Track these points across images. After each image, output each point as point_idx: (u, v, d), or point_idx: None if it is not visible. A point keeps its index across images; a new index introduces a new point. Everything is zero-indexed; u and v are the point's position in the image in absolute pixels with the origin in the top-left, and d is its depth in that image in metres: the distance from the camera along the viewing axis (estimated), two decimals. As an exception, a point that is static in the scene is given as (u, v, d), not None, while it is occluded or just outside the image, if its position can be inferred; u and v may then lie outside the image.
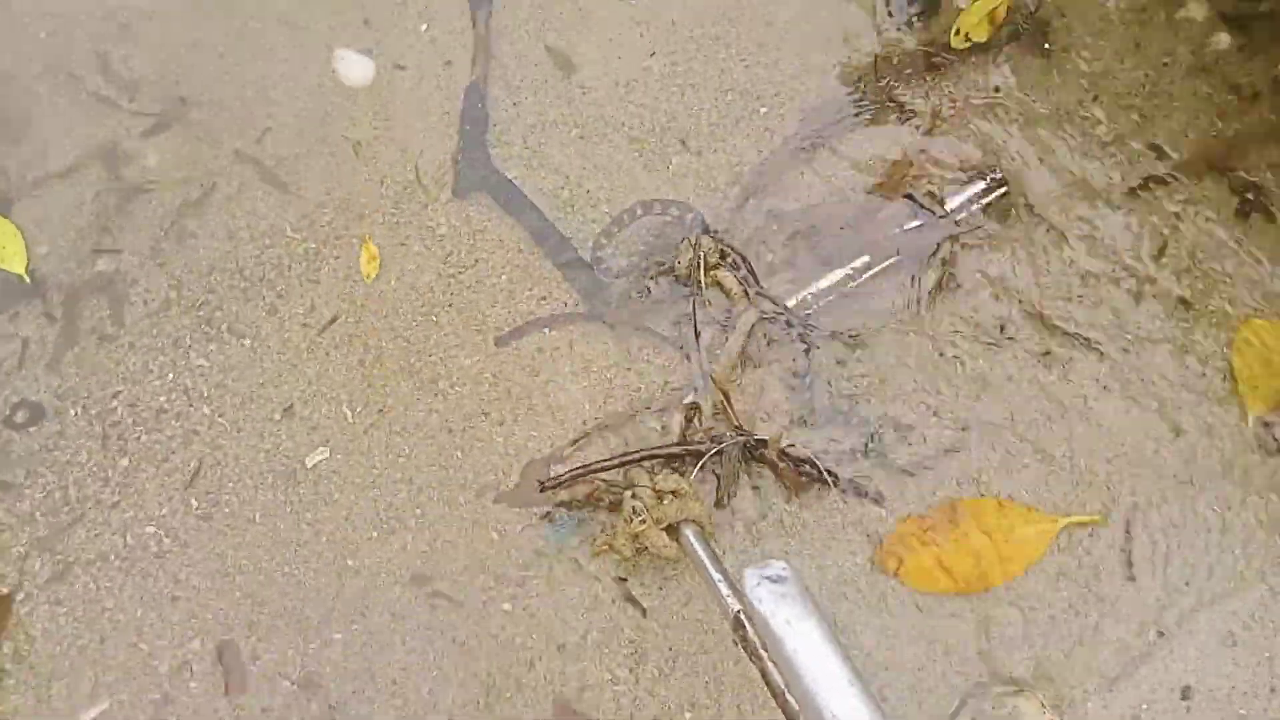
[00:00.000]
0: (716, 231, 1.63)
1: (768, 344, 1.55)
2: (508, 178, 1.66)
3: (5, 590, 1.42)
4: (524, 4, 1.80)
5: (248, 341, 1.56)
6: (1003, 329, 1.57)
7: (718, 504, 1.46)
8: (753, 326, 1.54)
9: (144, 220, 1.63)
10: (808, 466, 1.46)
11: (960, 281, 1.59)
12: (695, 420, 1.50)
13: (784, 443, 1.47)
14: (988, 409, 1.53)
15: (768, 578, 1.07)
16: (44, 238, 1.62)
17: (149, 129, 1.69)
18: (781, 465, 1.46)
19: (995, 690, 1.38)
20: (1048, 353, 1.55)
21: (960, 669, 1.39)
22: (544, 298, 1.60)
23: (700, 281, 1.57)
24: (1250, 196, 1.63)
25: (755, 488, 1.48)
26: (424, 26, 1.78)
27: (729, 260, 1.59)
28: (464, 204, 1.65)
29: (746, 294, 1.57)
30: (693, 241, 1.58)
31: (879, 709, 0.97)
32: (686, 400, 1.51)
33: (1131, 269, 1.60)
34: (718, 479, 1.46)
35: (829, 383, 1.54)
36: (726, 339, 1.54)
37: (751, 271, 1.59)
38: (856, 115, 1.70)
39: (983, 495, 1.47)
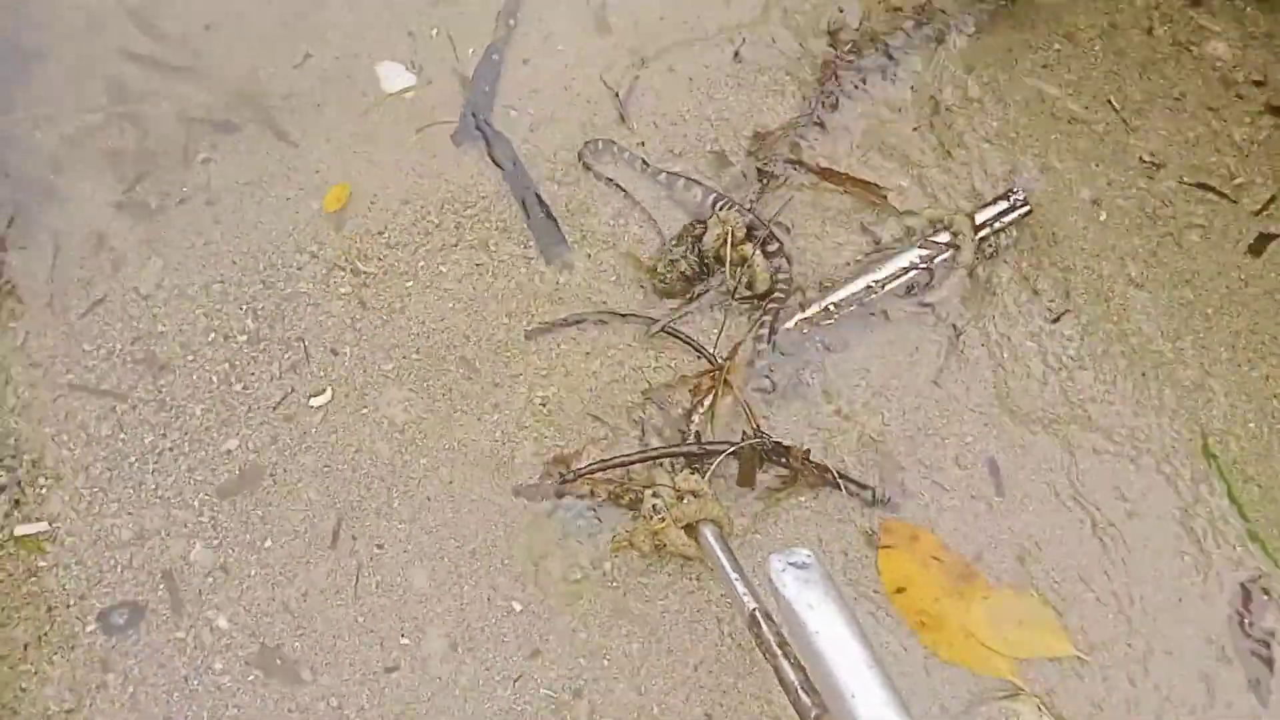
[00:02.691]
0: (745, 206, 1.63)
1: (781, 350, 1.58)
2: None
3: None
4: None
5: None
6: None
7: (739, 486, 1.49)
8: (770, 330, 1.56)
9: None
10: (828, 474, 1.49)
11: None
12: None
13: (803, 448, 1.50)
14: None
15: (792, 564, 1.10)
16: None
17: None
18: (801, 468, 1.48)
19: (994, 692, 1.40)
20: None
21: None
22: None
23: (727, 259, 1.58)
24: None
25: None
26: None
27: (757, 236, 1.59)
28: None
29: (772, 277, 1.58)
30: (721, 218, 1.59)
31: (896, 691, 0.99)
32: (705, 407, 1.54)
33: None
34: (739, 474, 1.49)
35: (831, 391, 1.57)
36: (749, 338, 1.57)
37: (781, 249, 1.59)
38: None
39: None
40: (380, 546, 1.47)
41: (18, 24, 1.75)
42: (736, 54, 1.77)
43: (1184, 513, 1.50)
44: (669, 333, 1.57)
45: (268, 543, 1.47)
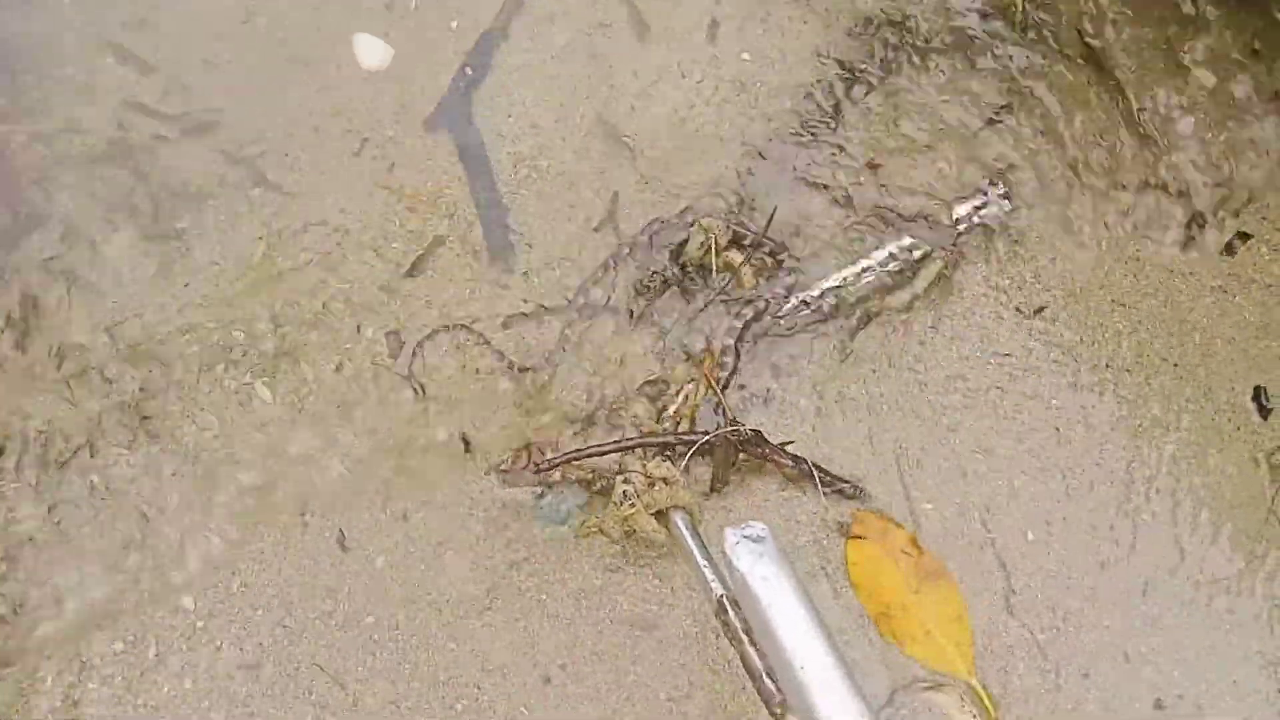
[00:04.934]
0: (729, 213, 1.63)
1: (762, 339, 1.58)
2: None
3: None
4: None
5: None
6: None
7: (711, 490, 1.49)
8: (746, 324, 1.57)
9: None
10: (803, 465, 1.49)
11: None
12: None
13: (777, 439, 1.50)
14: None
15: (746, 536, 1.11)
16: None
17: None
18: (775, 459, 1.49)
19: (917, 684, 1.41)
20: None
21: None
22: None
23: (713, 267, 1.59)
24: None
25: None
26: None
27: (743, 243, 1.60)
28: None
29: (758, 281, 1.59)
30: (704, 225, 1.59)
31: (845, 662, 1.00)
32: (681, 398, 1.54)
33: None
34: (712, 468, 1.49)
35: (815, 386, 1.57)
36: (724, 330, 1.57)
37: (772, 253, 1.60)
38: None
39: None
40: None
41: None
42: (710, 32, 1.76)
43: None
44: (675, 344, 1.57)
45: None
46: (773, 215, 1.60)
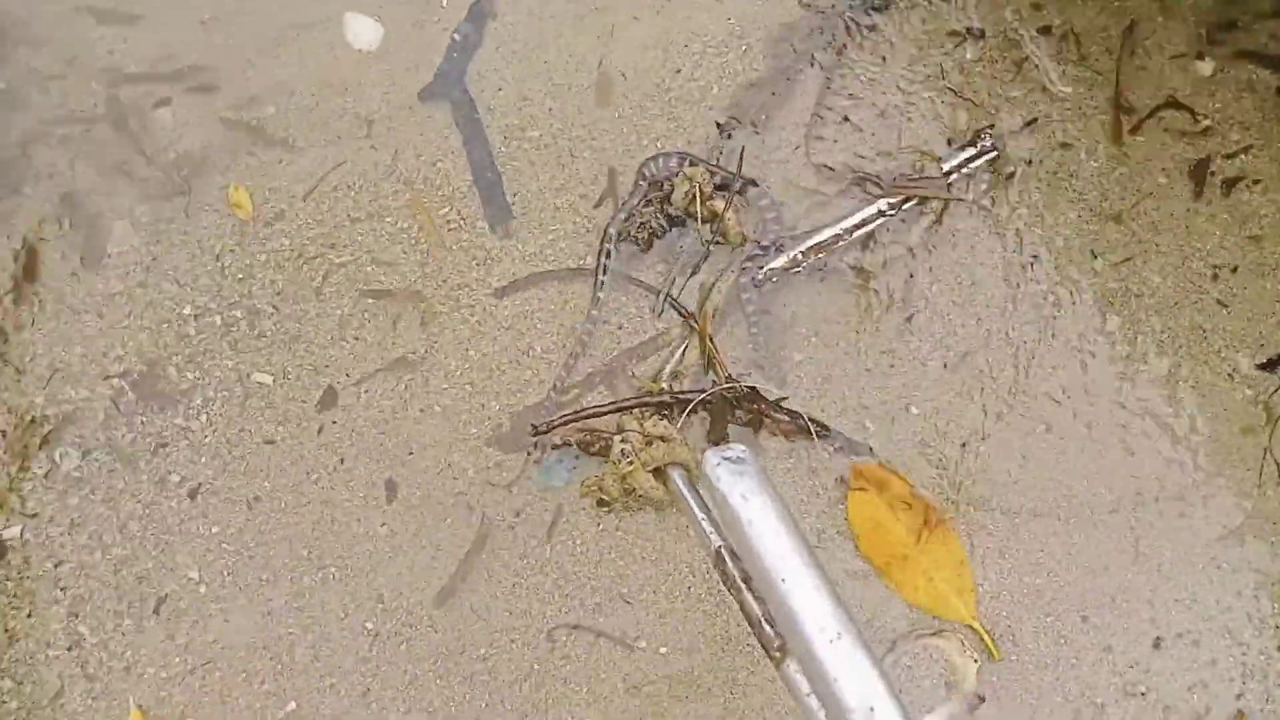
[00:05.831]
0: (711, 161, 1.63)
1: (754, 291, 1.58)
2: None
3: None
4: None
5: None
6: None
7: (709, 443, 1.50)
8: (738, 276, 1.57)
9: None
10: (800, 420, 1.50)
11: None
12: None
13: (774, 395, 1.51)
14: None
15: (727, 458, 1.12)
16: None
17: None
18: (772, 416, 1.50)
19: (919, 632, 1.42)
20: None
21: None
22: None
23: (697, 215, 1.59)
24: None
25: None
26: None
27: (726, 190, 1.60)
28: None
29: (744, 230, 1.59)
30: (688, 174, 1.59)
31: (827, 576, 1.01)
32: (677, 357, 1.54)
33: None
34: (711, 422, 1.50)
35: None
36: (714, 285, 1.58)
37: (768, 196, 1.60)
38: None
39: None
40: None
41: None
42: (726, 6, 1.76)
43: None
44: (670, 303, 1.58)
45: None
46: (742, 153, 1.61)
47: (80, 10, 1.71)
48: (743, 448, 1.11)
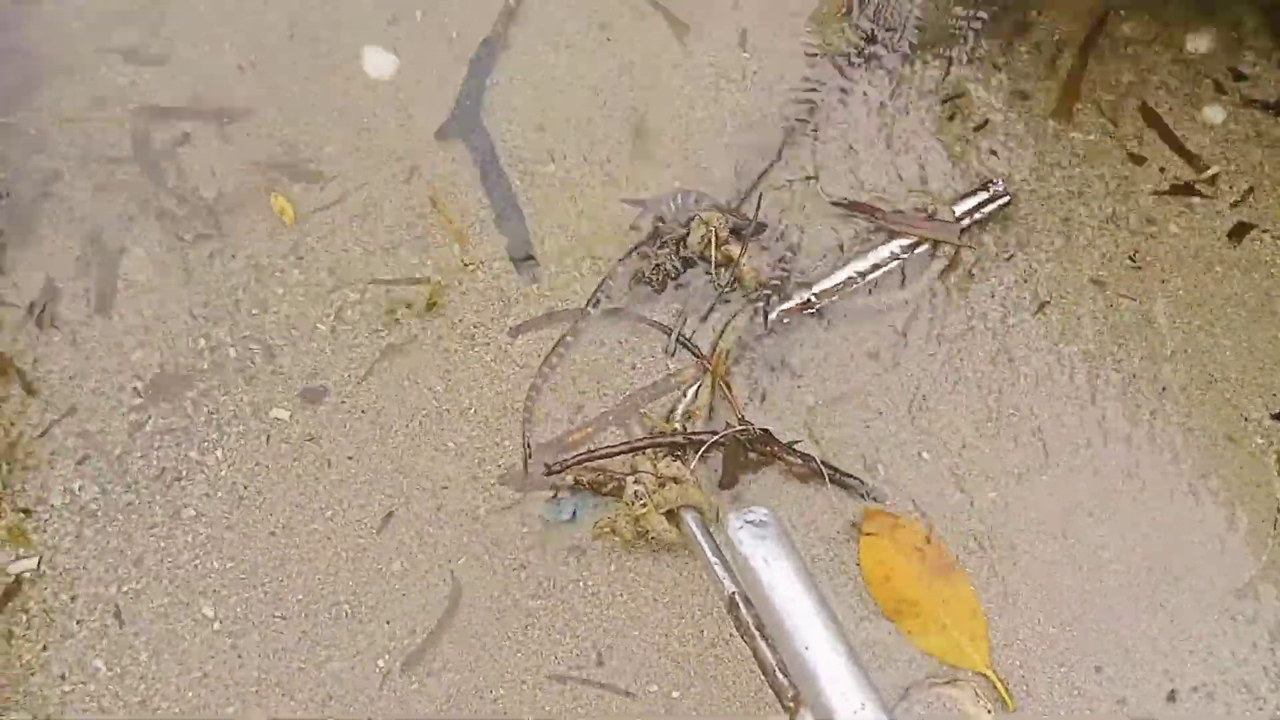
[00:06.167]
0: (726, 205, 1.64)
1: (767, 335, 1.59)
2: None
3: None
4: None
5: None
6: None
7: (721, 488, 1.50)
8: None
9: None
10: (813, 463, 1.50)
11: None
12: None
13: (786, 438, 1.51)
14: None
15: (749, 521, 1.12)
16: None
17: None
18: (784, 458, 1.50)
19: (932, 680, 1.42)
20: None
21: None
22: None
23: (712, 259, 1.61)
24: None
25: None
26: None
27: (741, 235, 1.61)
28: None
29: (758, 274, 1.60)
30: (704, 218, 1.61)
31: (849, 641, 1.01)
32: (690, 398, 1.55)
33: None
34: (722, 466, 1.50)
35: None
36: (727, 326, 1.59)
37: (756, 233, 1.61)
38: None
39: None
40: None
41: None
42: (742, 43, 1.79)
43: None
44: (683, 343, 1.59)
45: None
46: (760, 200, 1.62)
47: (107, 51, 1.74)
48: (765, 510, 1.12)
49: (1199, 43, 1.80)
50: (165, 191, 1.67)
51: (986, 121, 1.74)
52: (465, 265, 1.64)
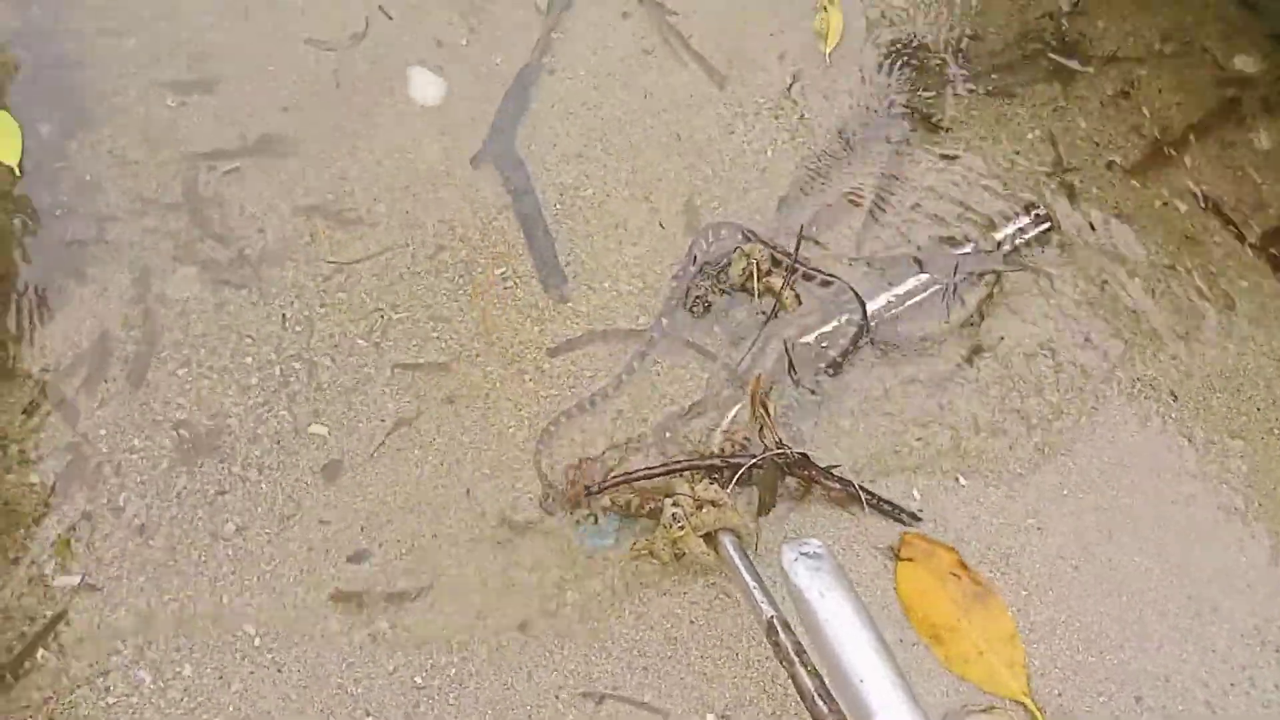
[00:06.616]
0: (767, 238, 1.66)
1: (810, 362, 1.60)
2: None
3: None
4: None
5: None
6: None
7: (759, 513, 1.50)
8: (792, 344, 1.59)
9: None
10: (851, 488, 1.50)
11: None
12: (734, 439, 1.55)
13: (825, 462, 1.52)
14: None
15: (804, 554, 1.13)
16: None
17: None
18: (823, 482, 1.50)
19: (969, 708, 1.41)
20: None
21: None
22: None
23: (754, 291, 1.62)
24: None
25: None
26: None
27: (782, 266, 1.63)
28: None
29: (800, 301, 1.61)
30: (745, 251, 1.63)
31: (904, 676, 1.01)
32: (728, 421, 1.56)
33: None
34: (759, 491, 1.51)
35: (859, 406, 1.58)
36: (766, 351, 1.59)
37: (808, 276, 1.62)
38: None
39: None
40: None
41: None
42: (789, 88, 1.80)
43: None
44: (724, 369, 1.60)
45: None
46: (800, 235, 1.63)
47: (158, 85, 1.78)
48: (819, 542, 1.13)
49: None
50: (215, 231, 1.69)
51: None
52: (503, 283, 1.66)
